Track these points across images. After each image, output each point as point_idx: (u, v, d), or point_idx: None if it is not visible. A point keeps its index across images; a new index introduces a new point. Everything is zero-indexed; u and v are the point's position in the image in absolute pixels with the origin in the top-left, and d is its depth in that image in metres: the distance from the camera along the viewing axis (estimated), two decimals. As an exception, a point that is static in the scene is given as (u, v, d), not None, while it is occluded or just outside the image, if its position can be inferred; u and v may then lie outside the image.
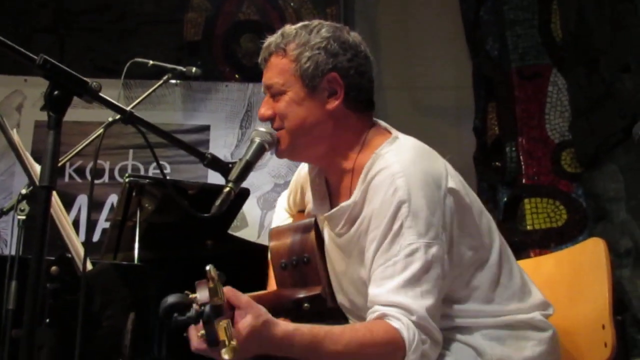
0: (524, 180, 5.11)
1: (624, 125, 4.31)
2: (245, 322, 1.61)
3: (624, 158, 4.41)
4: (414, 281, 1.83)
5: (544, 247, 4.89)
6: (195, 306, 1.55)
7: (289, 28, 2.09)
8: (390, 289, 1.83)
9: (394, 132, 2.10)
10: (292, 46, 2.03)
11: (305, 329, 1.74)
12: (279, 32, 2.09)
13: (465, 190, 2.02)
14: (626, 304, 4.16)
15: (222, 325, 1.50)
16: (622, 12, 4.35)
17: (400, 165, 1.93)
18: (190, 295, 1.57)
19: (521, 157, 5.15)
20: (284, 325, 1.69)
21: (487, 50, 5.76)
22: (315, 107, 2.02)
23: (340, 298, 2.16)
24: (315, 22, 2.10)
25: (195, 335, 1.60)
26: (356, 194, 2.00)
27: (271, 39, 2.09)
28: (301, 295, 2.09)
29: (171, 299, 1.56)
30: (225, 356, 1.46)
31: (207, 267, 1.52)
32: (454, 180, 1.99)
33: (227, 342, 1.48)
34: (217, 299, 1.52)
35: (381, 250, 1.88)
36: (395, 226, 1.87)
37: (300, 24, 2.09)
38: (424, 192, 1.89)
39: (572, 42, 5.10)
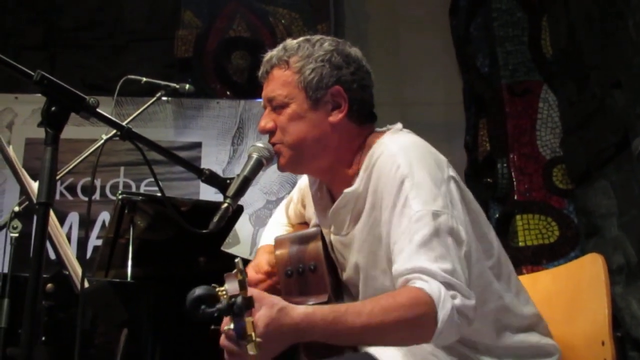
0: (515, 197, 5.11)
1: (615, 141, 4.32)
2: (261, 314, 1.57)
3: (616, 174, 4.42)
4: (423, 245, 1.75)
5: (536, 263, 4.89)
6: (223, 298, 1.50)
7: (291, 42, 2.07)
8: (404, 258, 1.76)
9: (395, 126, 2.09)
10: (295, 58, 2.02)
11: (325, 307, 1.68)
12: (281, 45, 2.07)
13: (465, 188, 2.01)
14: (619, 321, 4.16)
15: (249, 319, 1.47)
16: (612, 28, 4.37)
17: (399, 145, 1.93)
18: (217, 289, 1.52)
19: (512, 174, 5.16)
20: (302, 308, 1.64)
21: (478, 66, 5.79)
22: (317, 119, 2.00)
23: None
24: (317, 36, 2.09)
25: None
26: (359, 181, 1.98)
27: (273, 52, 2.07)
28: (309, 303, 2.07)
29: (198, 290, 1.51)
30: (251, 352, 1.44)
31: (236, 260, 1.50)
32: (454, 172, 1.98)
33: (253, 337, 1.45)
34: (246, 292, 1.48)
35: (393, 228, 1.84)
36: (401, 201, 1.83)
37: (301, 38, 2.08)
38: (424, 165, 1.88)
39: (563, 58, 5.12)
